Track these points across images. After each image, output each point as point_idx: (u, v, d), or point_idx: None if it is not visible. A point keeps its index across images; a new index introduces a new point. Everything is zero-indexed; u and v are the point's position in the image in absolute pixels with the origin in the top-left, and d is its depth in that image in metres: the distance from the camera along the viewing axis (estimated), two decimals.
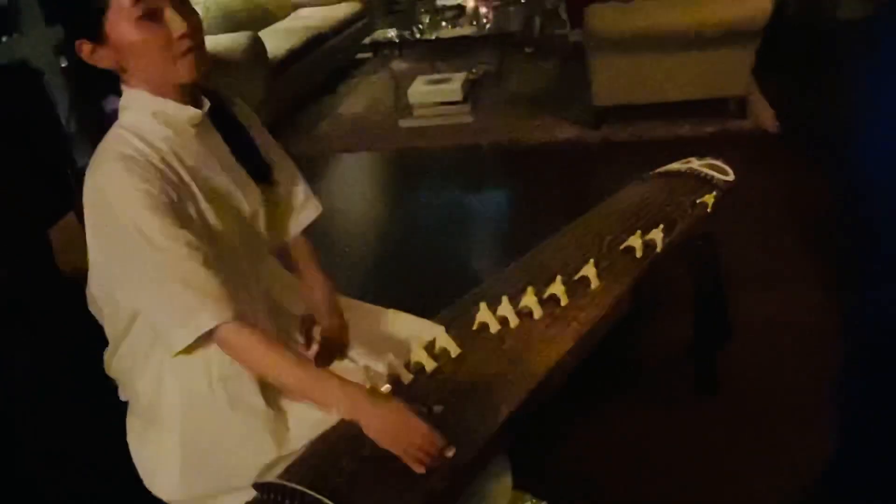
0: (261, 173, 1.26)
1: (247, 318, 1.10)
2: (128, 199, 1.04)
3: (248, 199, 1.22)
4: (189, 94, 1.14)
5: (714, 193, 1.86)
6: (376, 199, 3.72)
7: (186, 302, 1.04)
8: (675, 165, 2.10)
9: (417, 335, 1.37)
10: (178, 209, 1.07)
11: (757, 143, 3.49)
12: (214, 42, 4.04)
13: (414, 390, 1.24)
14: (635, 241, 1.59)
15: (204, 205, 1.13)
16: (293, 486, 1.06)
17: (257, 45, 4.09)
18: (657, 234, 1.62)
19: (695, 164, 2.07)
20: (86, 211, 1.08)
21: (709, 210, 1.81)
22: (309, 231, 1.43)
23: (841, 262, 2.47)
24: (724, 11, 3.45)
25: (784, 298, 2.30)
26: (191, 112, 1.14)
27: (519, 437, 1.27)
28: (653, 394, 1.96)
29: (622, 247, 1.61)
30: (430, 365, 1.28)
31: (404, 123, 4.31)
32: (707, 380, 1.93)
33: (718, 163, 2.07)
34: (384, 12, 5.93)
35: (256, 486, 1.11)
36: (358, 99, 4.92)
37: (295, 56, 4.60)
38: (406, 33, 4.82)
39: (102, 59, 1.08)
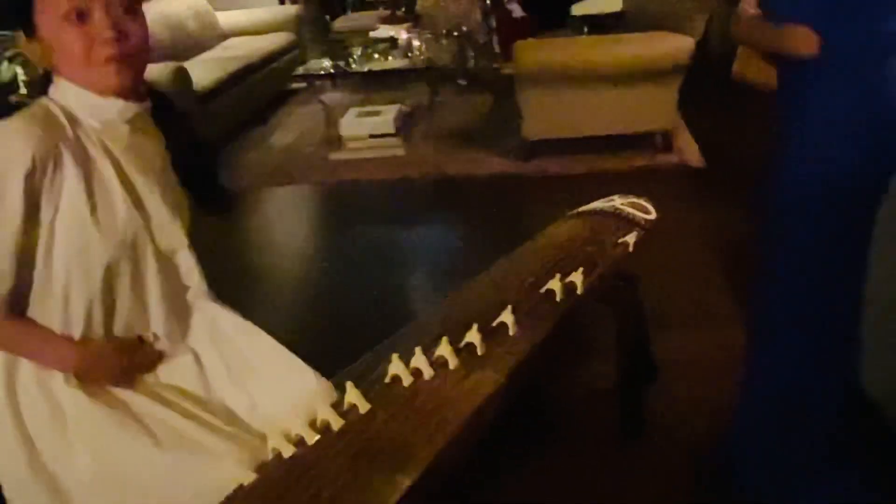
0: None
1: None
2: (7, 156, 1.02)
3: (163, 198, 1.18)
4: (126, 93, 1.11)
5: (635, 233, 1.85)
6: (305, 234, 3.63)
7: None
8: (597, 204, 2.09)
9: (320, 391, 1.30)
10: (48, 192, 1.05)
11: (682, 177, 3.55)
12: None
13: (319, 451, 1.17)
14: (555, 284, 1.56)
15: (116, 195, 1.11)
16: None
17: (182, 76, 3.98)
18: (577, 277, 1.60)
19: (617, 202, 2.07)
20: None
21: (630, 250, 1.80)
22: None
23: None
24: (644, 49, 3.53)
25: (708, 337, 2.31)
26: (121, 105, 1.10)
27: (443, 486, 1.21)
28: (578, 437, 1.92)
29: (542, 290, 1.58)
30: (337, 423, 1.21)
31: (335, 156, 4.25)
32: (632, 422, 1.91)
33: (641, 201, 2.07)
34: (317, 43, 5.88)
35: None
36: (289, 131, 4.83)
37: (223, 87, 4.49)
38: (340, 64, 4.77)
39: (31, 51, 1.08)
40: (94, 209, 1.08)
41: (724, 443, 1.78)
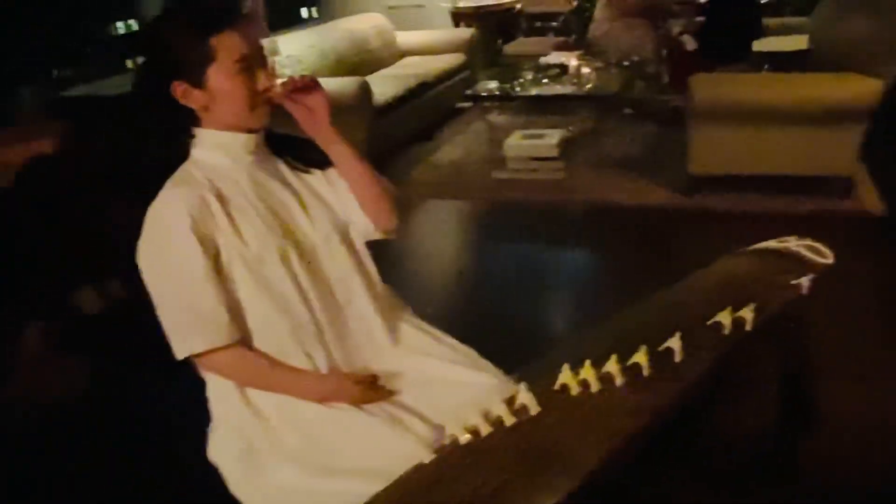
0: (323, 160, 1.44)
1: (245, 342, 1.31)
2: (172, 219, 1.25)
3: (314, 221, 1.39)
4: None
5: (810, 276, 1.82)
6: (464, 247, 3.79)
7: (187, 322, 1.26)
8: (771, 243, 2.07)
9: (495, 389, 1.41)
10: (213, 234, 1.27)
11: (859, 225, 3.37)
12: (327, 84, 4.24)
13: (491, 443, 1.27)
14: (724, 318, 1.58)
15: (257, 221, 1.31)
16: None
17: (365, 90, 4.28)
18: (747, 313, 1.60)
19: (792, 243, 2.04)
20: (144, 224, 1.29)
21: (803, 292, 1.78)
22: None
23: None
24: (828, 90, 3.39)
25: (878, 394, 2.20)
26: (243, 138, 1.33)
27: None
28: (728, 476, 1.91)
29: (710, 322, 1.60)
30: (509, 420, 1.30)
31: (498, 175, 4.40)
32: (786, 469, 1.87)
33: (818, 244, 2.02)
34: (487, 66, 6.09)
35: None
36: (454, 147, 5.05)
37: (398, 102, 4.78)
38: (507, 87, 4.93)
39: (193, 99, 1.29)
40: (240, 236, 1.30)
41: None
